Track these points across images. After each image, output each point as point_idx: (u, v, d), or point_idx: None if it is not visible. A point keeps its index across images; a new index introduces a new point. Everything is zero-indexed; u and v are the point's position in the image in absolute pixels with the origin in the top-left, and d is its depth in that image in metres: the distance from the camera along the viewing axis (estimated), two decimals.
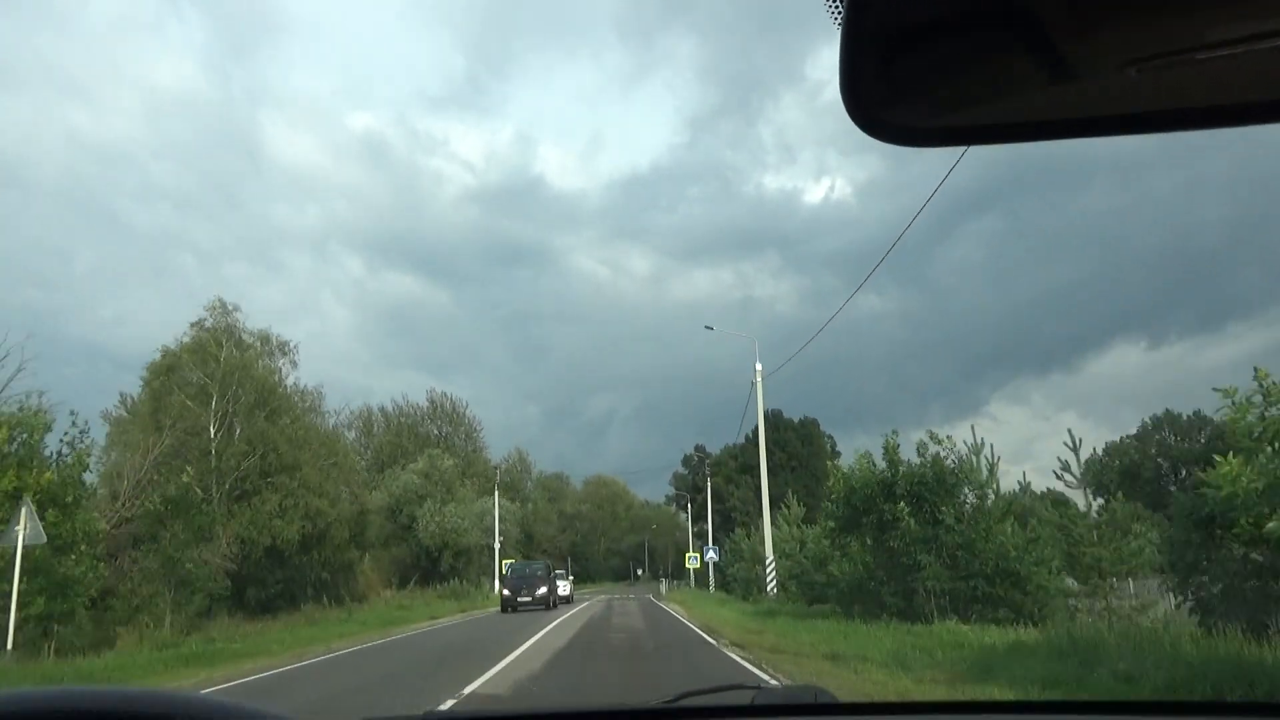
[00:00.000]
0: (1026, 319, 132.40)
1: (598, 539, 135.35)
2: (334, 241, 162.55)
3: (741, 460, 77.88)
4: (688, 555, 67.73)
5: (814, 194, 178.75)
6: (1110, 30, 0.82)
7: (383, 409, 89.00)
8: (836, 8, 0.86)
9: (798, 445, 76.33)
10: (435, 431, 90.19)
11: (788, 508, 43.91)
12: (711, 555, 55.21)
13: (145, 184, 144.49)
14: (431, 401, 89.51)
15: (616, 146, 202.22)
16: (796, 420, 78.04)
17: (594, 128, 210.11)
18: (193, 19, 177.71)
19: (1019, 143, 1.00)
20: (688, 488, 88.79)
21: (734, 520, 73.25)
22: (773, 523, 40.08)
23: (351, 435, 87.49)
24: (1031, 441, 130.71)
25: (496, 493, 58.73)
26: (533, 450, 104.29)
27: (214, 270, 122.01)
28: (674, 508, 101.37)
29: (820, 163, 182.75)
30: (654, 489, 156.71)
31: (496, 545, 57.18)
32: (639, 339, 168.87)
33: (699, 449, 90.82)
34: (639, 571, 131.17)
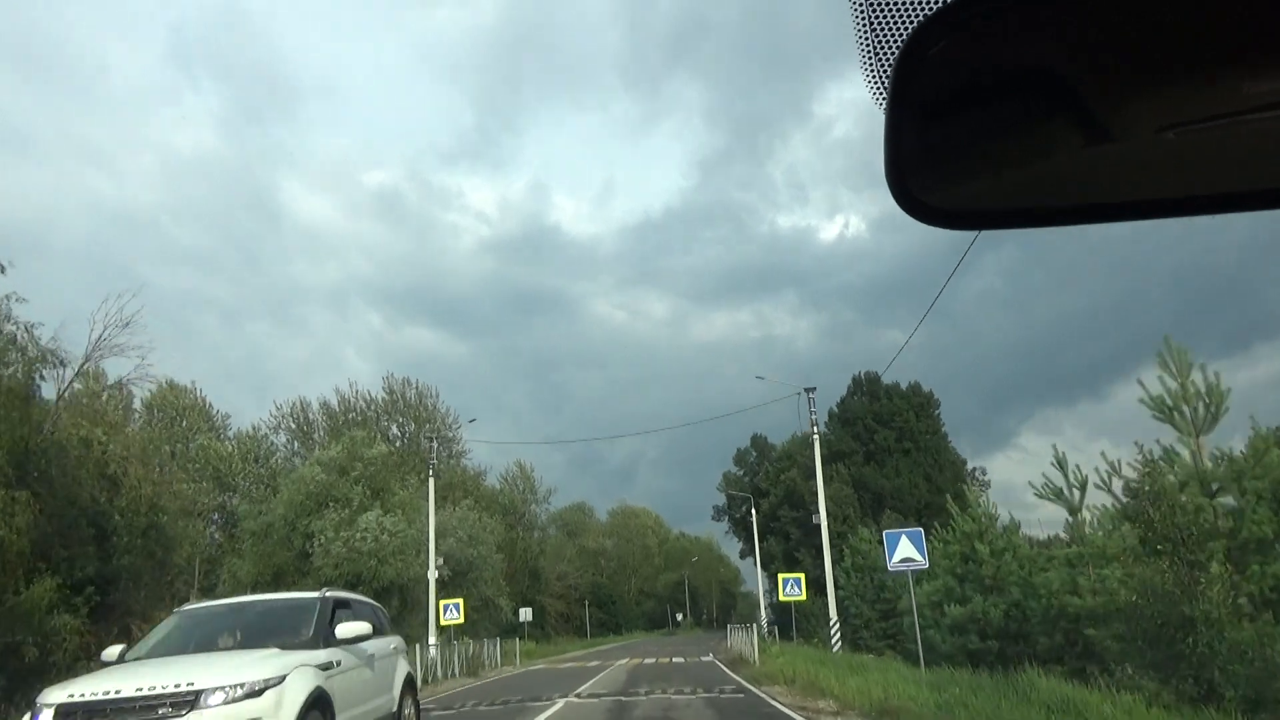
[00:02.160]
0: (1050, 347, 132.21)
1: (626, 578, 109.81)
2: (354, 296, 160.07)
3: (830, 449, 53.42)
4: (771, 588, 42.83)
5: (828, 231, 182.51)
6: (1143, 95, 0.83)
7: (325, 404, 64.93)
8: (880, 96, 0.87)
9: (910, 418, 52.01)
10: (395, 431, 66.65)
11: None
12: (794, 590, 30.31)
13: (166, 247, 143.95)
14: (389, 391, 65.71)
15: (628, 192, 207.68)
16: (904, 386, 53.70)
17: (605, 174, 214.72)
18: (208, 87, 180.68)
19: (1058, 225, 1.00)
20: (741, 492, 64.48)
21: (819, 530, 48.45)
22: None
23: (281, 440, 64.37)
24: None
25: (431, 494, 34.55)
26: (556, 498, 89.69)
27: (236, 329, 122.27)
28: (726, 527, 76.17)
29: (832, 200, 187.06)
30: (687, 529, 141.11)
31: (431, 575, 33.00)
32: (660, 381, 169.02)
33: (758, 441, 66.43)
34: (679, 617, 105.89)
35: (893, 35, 0.86)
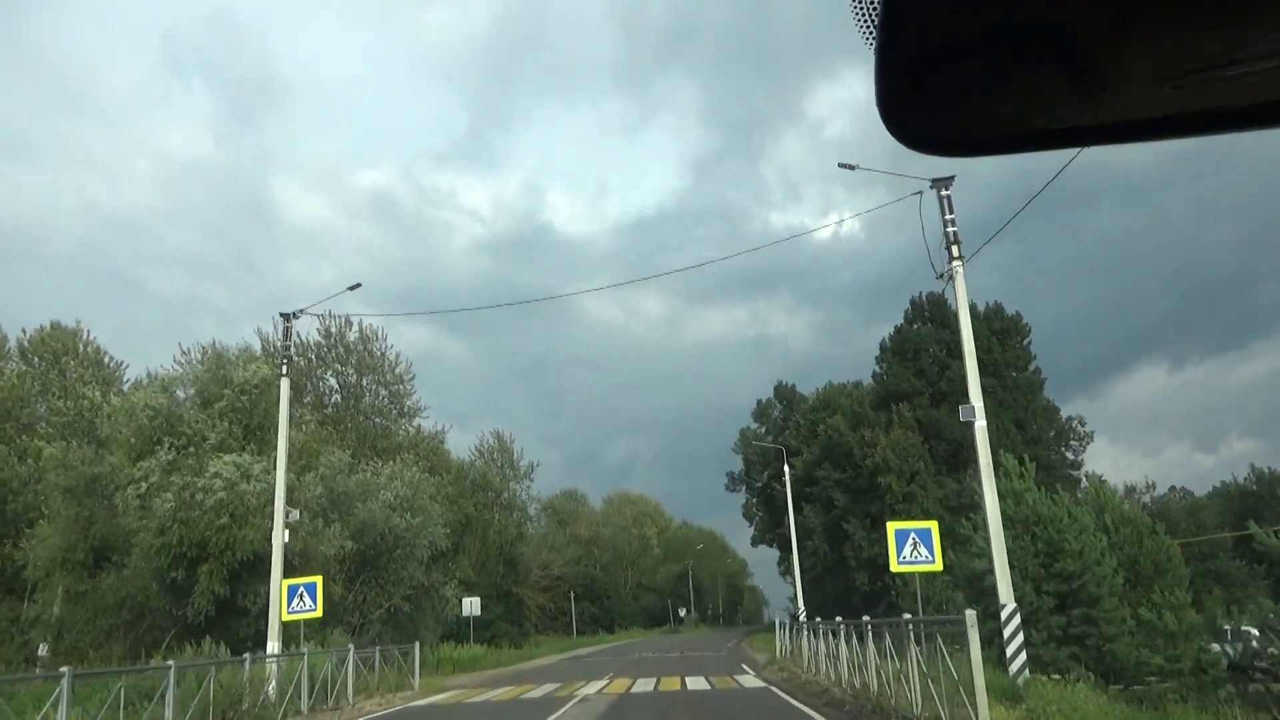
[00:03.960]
0: (1043, 346, 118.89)
1: (623, 570, 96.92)
2: (348, 297, 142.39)
3: (885, 388, 40.50)
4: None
5: (823, 231, 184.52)
6: (1142, 46, 0.82)
7: (245, 349, 51.37)
8: (869, 31, 0.86)
9: (993, 347, 38.94)
10: (333, 381, 53.61)
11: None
12: (918, 553, 16.95)
13: (162, 251, 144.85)
14: (326, 333, 52.55)
15: (622, 192, 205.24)
16: (981, 307, 40.60)
17: (599, 174, 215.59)
18: (200, 89, 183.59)
19: (1053, 149, 0.99)
20: (758, 461, 51.65)
21: (880, 495, 35.67)
22: None
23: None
24: None
25: (284, 396, 21.27)
26: (544, 487, 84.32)
27: (233, 331, 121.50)
28: (743, 498, 62.78)
29: (826, 199, 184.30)
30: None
31: (277, 538, 19.73)
32: (656, 380, 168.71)
33: (783, 390, 53.47)
34: (682, 613, 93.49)
35: None
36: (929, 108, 0.91)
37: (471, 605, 34.37)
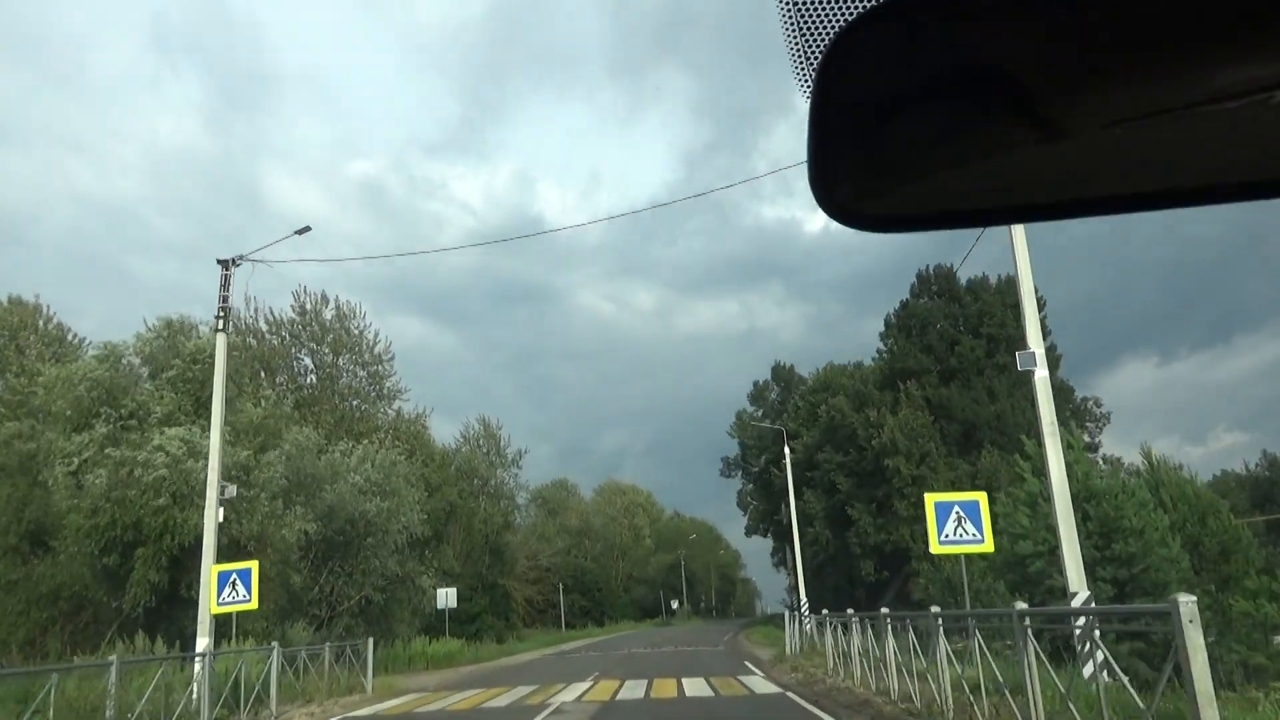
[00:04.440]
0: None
1: (614, 562, 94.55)
2: (339, 287, 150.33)
3: (891, 367, 38.12)
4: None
5: (813, 223, 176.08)
6: (1090, 91, 0.81)
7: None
8: (807, 92, 0.84)
9: (1007, 322, 36.45)
10: (308, 361, 50.95)
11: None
12: (963, 530, 14.09)
13: (151, 239, 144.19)
14: (301, 310, 49.89)
15: (614, 184, 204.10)
16: (995, 279, 38.04)
17: (591, 166, 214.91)
18: (189, 76, 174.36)
19: (993, 225, 0.99)
20: (755, 445, 49.19)
21: (887, 479, 33.29)
22: None
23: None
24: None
25: (220, 353, 18.62)
26: (533, 477, 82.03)
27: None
28: (739, 484, 60.31)
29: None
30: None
31: (209, 519, 17.13)
32: (647, 371, 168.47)
33: (781, 371, 51.06)
34: (674, 605, 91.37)
35: (821, 32, 0.81)
36: (868, 182, 0.85)
37: (447, 597, 31.89)
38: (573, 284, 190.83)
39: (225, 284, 17.46)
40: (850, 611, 15.50)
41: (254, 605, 15.62)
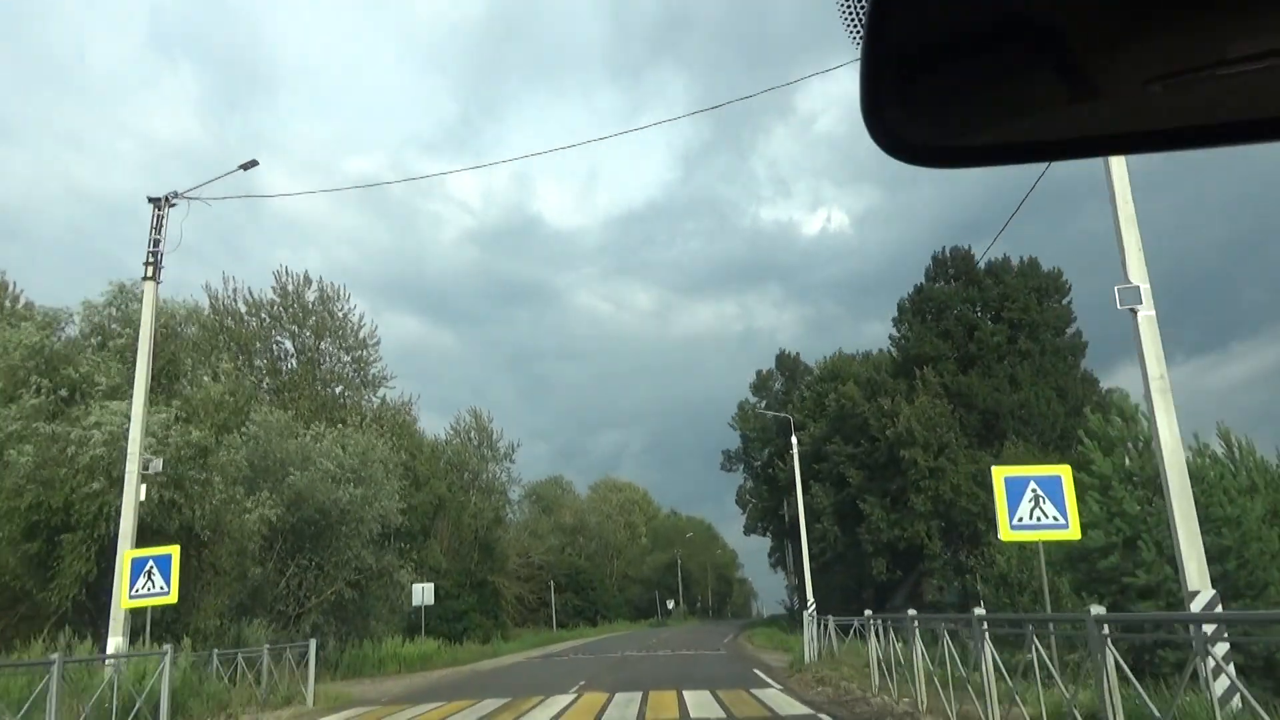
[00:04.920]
0: None
1: (608, 560, 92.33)
2: (336, 285, 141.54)
3: (906, 354, 35.69)
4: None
5: (811, 225, 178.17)
6: (1131, 47, 0.83)
7: (194, 309, 45.81)
8: (856, 31, 0.87)
9: (1030, 305, 34.00)
10: (289, 345, 48.50)
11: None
12: (1042, 512, 11.20)
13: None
14: (282, 290, 47.46)
15: (612, 184, 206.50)
16: (1016, 262, 35.47)
17: (589, 166, 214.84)
18: (186, 72, 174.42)
19: (1040, 162, 1.07)
20: (758, 437, 46.68)
21: (902, 471, 30.90)
22: None
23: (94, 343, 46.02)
24: None
25: (148, 307, 16.08)
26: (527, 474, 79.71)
27: None
28: (742, 479, 57.76)
29: (816, 194, 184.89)
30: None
31: (126, 511, 14.62)
32: (646, 374, 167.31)
33: (786, 360, 48.64)
34: (670, 605, 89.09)
35: None
36: (916, 115, 0.89)
37: (424, 592, 29.33)
38: (571, 283, 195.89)
39: (157, 225, 14.98)
40: (911, 613, 12.94)
41: (172, 598, 13.16)
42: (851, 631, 16.36)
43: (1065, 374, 33.67)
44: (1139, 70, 0.81)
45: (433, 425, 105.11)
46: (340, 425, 32.10)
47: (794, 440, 32.42)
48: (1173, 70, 0.80)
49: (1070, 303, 35.19)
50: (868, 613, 15.12)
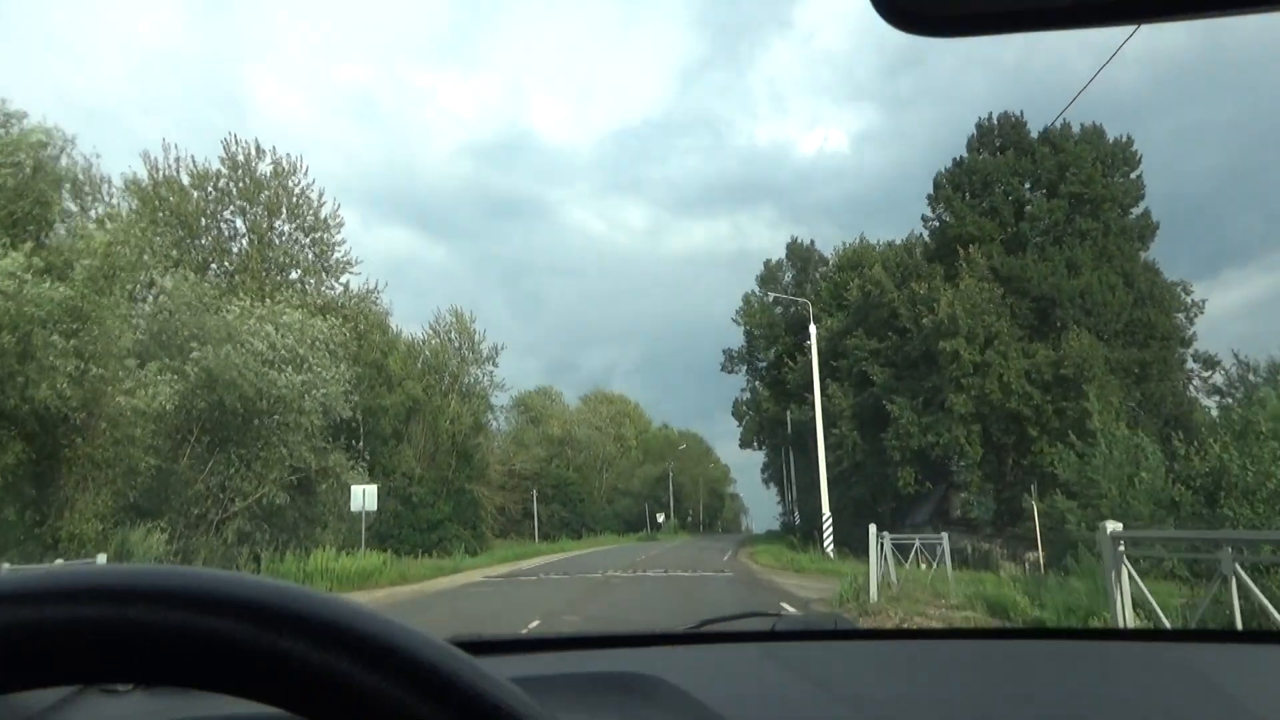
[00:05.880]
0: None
1: (598, 473, 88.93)
2: (326, 196, 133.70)
3: (945, 234, 30.53)
4: None
5: (808, 145, 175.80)
6: None
7: (131, 180, 39.75)
8: None
9: (1094, 177, 28.74)
10: (240, 225, 43.50)
11: None
12: None
13: (133, 142, 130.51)
14: (231, 162, 41.73)
15: (607, 99, 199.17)
16: (1076, 128, 30.02)
17: (584, 80, 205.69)
18: None
19: (1052, 29, 0.95)
20: (764, 334, 41.84)
21: (940, 368, 26.04)
22: None
23: None
24: None
25: None
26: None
27: None
28: (744, 383, 53.02)
29: (813, 113, 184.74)
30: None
31: None
32: (638, 291, 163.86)
33: (798, 249, 43.47)
34: (660, 518, 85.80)
35: None
36: None
37: (365, 496, 24.58)
38: (564, 199, 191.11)
39: None
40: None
41: None
42: (913, 554, 12.02)
43: (1130, 258, 28.70)
44: None
45: (420, 335, 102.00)
46: (271, 300, 27.03)
47: (812, 329, 27.54)
48: None
49: (1140, 177, 29.96)
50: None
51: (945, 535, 13.68)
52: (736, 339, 49.25)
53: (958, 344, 25.46)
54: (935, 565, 13.01)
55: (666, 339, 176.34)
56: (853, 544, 29.83)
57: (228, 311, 24.94)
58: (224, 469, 23.68)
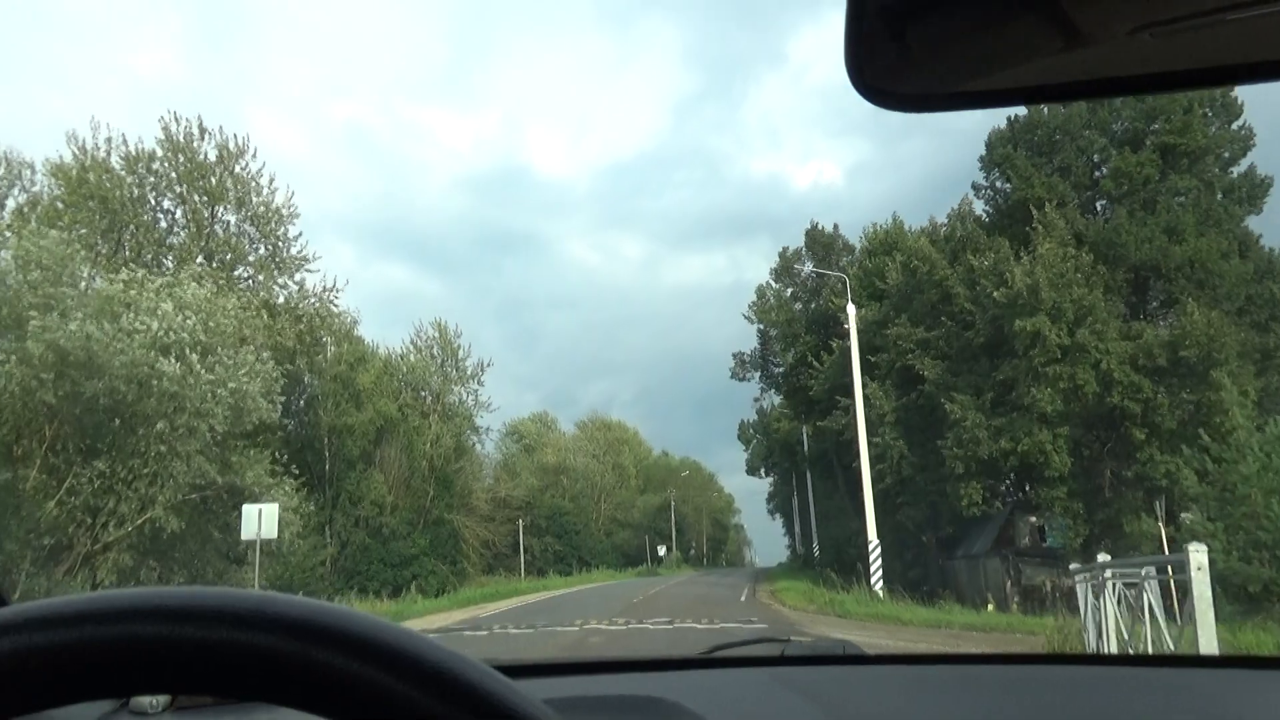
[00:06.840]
0: None
1: (595, 503, 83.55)
2: (324, 232, 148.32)
3: (1008, 199, 25.14)
4: None
5: (802, 178, 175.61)
6: None
7: (57, 164, 34.35)
8: None
9: (1191, 126, 23.47)
10: (181, 215, 38.19)
11: None
12: None
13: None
14: (171, 144, 36.24)
15: (602, 133, 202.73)
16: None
17: (579, 115, 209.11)
18: (166, 6, 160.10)
19: (1028, 105, 1.08)
20: (782, 334, 36.26)
21: (1015, 355, 20.36)
22: None
23: None
24: None
25: None
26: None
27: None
28: (759, 388, 47.22)
29: (807, 146, 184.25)
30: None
31: None
32: (635, 324, 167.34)
33: (818, 236, 38.09)
34: (661, 551, 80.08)
35: None
36: (901, 63, 0.87)
37: (260, 517, 18.47)
38: (561, 232, 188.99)
39: None
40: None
41: None
42: (1144, 597, 6.59)
43: (1237, 222, 23.35)
44: (1130, 18, 0.77)
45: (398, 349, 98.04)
46: (169, 274, 21.54)
47: (850, 309, 22.08)
48: (1165, 18, 0.76)
49: (1244, 127, 24.66)
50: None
51: (1198, 551, 7.40)
52: (750, 341, 43.78)
53: (1039, 323, 19.97)
54: (1184, 619, 7.24)
55: (665, 371, 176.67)
56: (897, 579, 24.13)
57: (110, 281, 19.48)
58: (91, 484, 18.02)
